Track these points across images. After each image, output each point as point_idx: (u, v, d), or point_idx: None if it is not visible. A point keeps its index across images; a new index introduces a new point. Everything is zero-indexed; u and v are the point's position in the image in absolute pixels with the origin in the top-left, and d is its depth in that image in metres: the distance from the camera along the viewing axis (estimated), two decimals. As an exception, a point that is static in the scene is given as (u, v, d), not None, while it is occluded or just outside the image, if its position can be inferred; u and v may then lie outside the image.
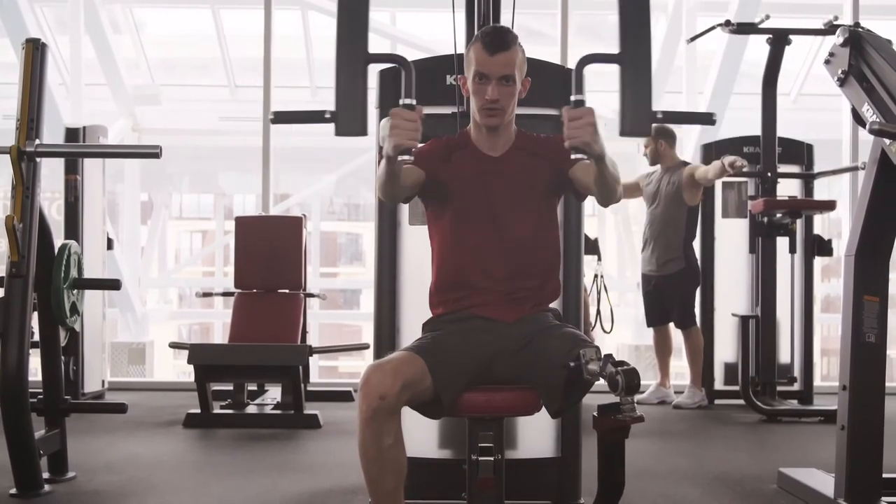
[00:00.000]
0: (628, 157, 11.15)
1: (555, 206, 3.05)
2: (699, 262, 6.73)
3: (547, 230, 3.01)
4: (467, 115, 3.07)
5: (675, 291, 6.63)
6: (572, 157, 2.62)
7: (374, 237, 3.82)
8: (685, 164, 6.69)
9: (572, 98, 2.72)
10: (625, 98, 2.85)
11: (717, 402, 6.75)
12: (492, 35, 2.88)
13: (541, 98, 3.12)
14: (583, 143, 2.56)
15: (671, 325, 6.77)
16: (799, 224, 6.45)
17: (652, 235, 6.74)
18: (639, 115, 2.84)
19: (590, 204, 7.57)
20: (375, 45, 10.93)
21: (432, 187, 2.97)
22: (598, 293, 6.74)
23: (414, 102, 2.67)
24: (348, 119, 2.82)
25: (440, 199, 2.98)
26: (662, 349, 6.86)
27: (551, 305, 3.05)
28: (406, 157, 2.62)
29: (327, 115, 2.96)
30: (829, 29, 5.83)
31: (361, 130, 2.83)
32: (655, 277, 6.73)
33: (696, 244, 6.76)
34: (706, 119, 3.29)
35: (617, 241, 12.53)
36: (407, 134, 2.59)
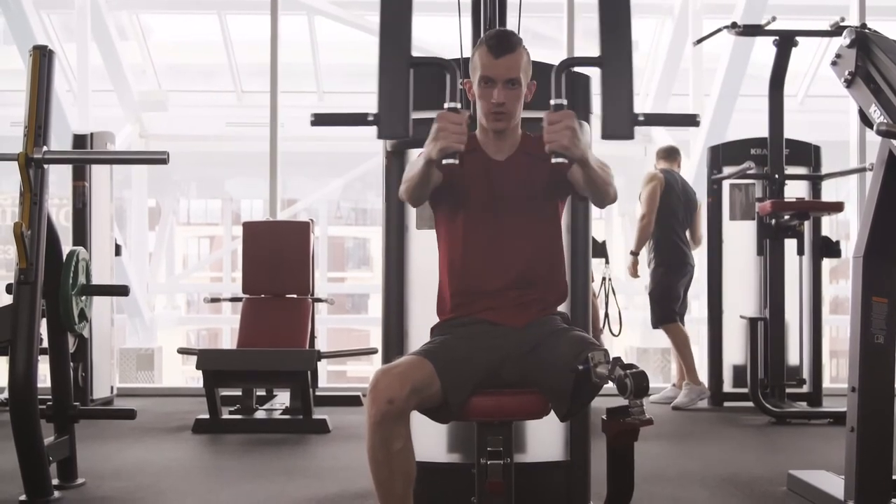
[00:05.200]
0: (636, 161, 11.16)
1: (558, 207, 3.03)
2: (706, 265, 6.73)
3: (552, 233, 3.00)
4: (475, 119, 3.07)
5: (651, 290, 6.68)
6: (553, 161, 2.63)
7: (381, 242, 3.82)
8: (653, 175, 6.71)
9: (552, 102, 2.71)
10: (606, 101, 2.86)
11: (725, 404, 6.74)
12: (496, 38, 2.87)
13: (547, 101, 3.12)
14: (561, 146, 2.59)
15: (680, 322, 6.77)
16: (807, 226, 6.44)
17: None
18: (620, 119, 2.86)
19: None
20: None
21: (440, 190, 2.97)
22: (607, 296, 6.73)
23: (459, 105, 2.68)
24: (392, 121, 2.85)
25: (447, 202, 2.98)
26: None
27: (559, 309, 3.05)
28: (451, 161, 2.64)
29: (370, 118, 2.97)
30: (836, 30, 5.82)
31: (405, 132, 2.86)
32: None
33: (704, 246, 6.76)
34: (690, 121, 3.27)
35: (625, 244, 12.52)
36: (454, 137, 2.62)
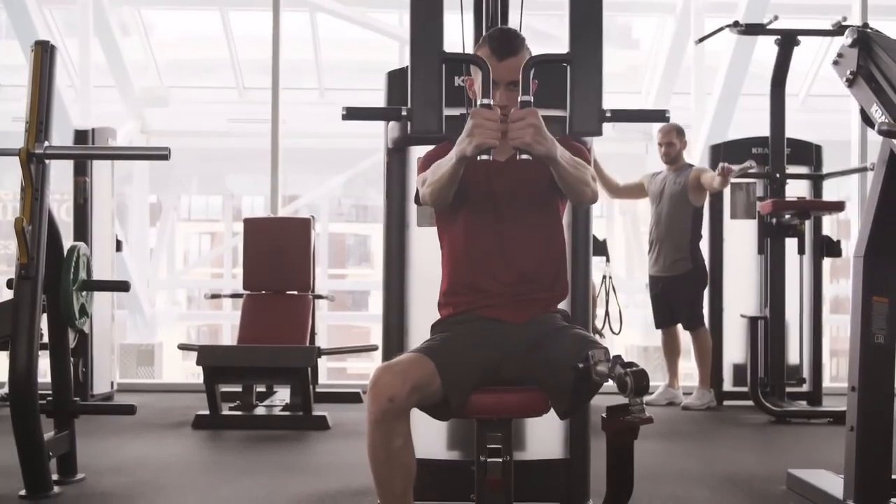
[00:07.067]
0: (637, 159, 11.16)
1: (559, 206, 3.03)
2: (707, 264, 6.73)
3: (553, 232, 3.00)
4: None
5: (682, 293, 6.62)
6: (518, 157, 2.65)
7: (382, 238, 3.83)
8: (690, 165, 6.68)
9: (519, 99, 2.71)
10: (574, 97, 2.86)
11: (725, 403, 6.74)
12: (500, 40, 2.87)
13: (547, 99, 3.12)
14: (523, 143, 2.59)
15: (679, 326, 6.77)
16: (808, 225, 6.44)
17: (658, 237, 6.73)
18: (588, 114, 2.86)
19: (598, 205, 7.59)
20: (383, 46, 10.89)
21: None
22: (607, 294, 6.73)
23: (491, 102, 2.68)
24: (425, 117, 2.82)
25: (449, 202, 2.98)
26: (671, 350, 6.85)
27: (560, 306, 3.05)
28: (486, 157, 2.64)
29: (404, 113, 2.95)
30: (838, 30, 5.82)
31: (438, 128, 2.84)
32: (663, 279, 6.72)
33: (705, 245, 6.76)
34: (659, 116, 3.25)
35: (625, 243, 12.53)
36: (489, 133, 2.60)
